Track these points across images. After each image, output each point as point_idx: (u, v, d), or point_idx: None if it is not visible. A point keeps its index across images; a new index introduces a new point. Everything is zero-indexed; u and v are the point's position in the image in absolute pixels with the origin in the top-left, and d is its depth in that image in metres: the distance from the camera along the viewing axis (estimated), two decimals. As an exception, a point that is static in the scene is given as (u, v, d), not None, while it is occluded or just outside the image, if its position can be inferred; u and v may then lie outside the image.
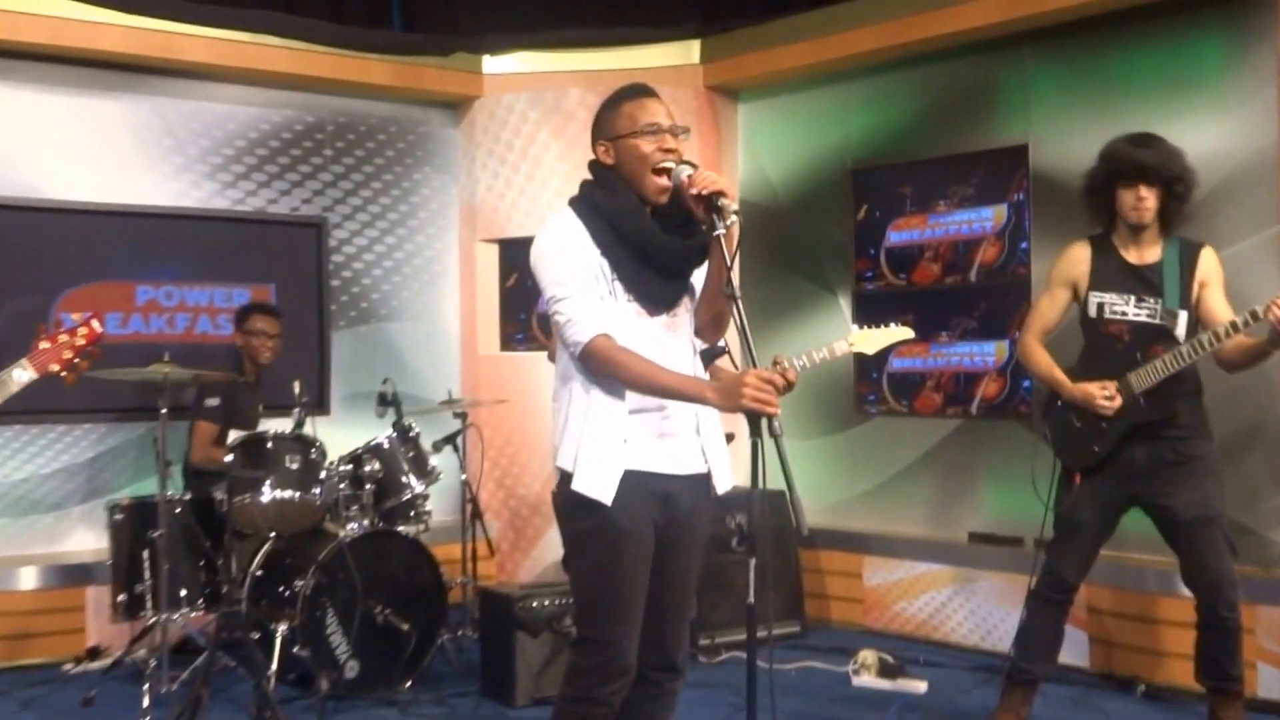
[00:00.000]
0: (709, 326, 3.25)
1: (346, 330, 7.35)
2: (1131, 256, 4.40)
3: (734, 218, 2.96)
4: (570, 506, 3.08)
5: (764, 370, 2.85)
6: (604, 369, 2.99)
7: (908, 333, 4.64)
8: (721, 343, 3.93)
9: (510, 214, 7.39)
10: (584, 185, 3.17)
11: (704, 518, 3.22)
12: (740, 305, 2.89)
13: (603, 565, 3.05)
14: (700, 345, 3.25)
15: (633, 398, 3.06)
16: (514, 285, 7.50)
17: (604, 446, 3.04)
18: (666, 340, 3.12)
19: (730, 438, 4.04)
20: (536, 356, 7.01)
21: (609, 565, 3.04)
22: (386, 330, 7.47)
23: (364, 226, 7.43)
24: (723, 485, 3.21)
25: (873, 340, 4.53)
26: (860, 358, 5.79)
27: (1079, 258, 4.48)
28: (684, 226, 3.09)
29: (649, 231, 3.06)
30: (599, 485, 3.03)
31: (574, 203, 3.13)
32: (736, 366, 3.11)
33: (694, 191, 2.98)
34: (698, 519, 3.20)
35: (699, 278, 3.22)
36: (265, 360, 6.08)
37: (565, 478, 3.08)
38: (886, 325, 4.58)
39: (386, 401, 5.93)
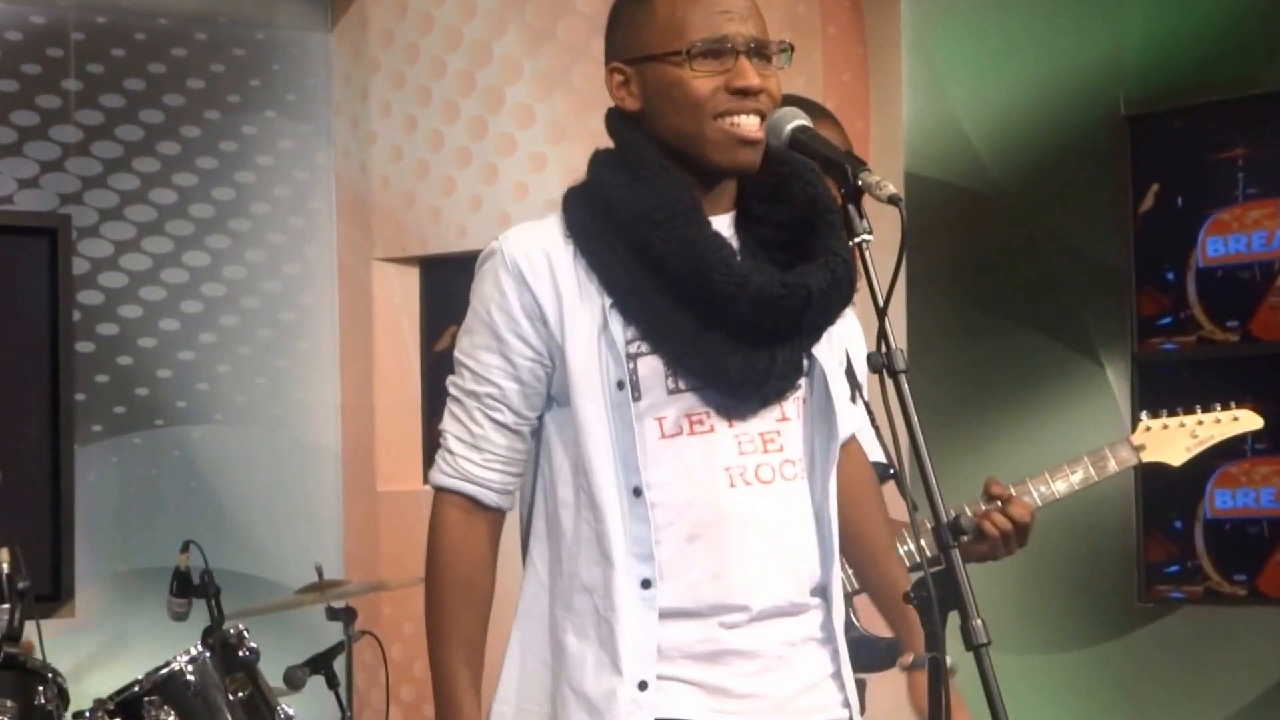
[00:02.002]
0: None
1: (107, 442, 7.49)
2: None
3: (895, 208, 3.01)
4: None
5: None
6: (428, 559, 3.27)
7: (1253, 421, 4.69)
8: (881, 455, 3.99)
9: (440, 207, 7.55)
10: (595, 160, 3.26)
11: None
12: (903, 383, 2.98)
13: None
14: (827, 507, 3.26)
15: (673, 583, 3.11)
16: (448, 350, 7.56)
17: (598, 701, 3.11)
18: (763, 498, 3.17)
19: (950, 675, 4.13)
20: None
21: None
22: (189, 442, 7.62)
23: (144, 233, 7.60)
24: None
25: (1180, 440, 4.60)
26: (1154, 482, 5.71)
27: None
28: (784, 228, 3.18)
29: (703, 255, 3.08)
30: None
31: (570, 198, 3.24)
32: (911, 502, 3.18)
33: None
34: None
35: (827, 353, 3.27)
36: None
37: None
38: (1207, 410, 4.66)
39: (189, 589, 6.00)
